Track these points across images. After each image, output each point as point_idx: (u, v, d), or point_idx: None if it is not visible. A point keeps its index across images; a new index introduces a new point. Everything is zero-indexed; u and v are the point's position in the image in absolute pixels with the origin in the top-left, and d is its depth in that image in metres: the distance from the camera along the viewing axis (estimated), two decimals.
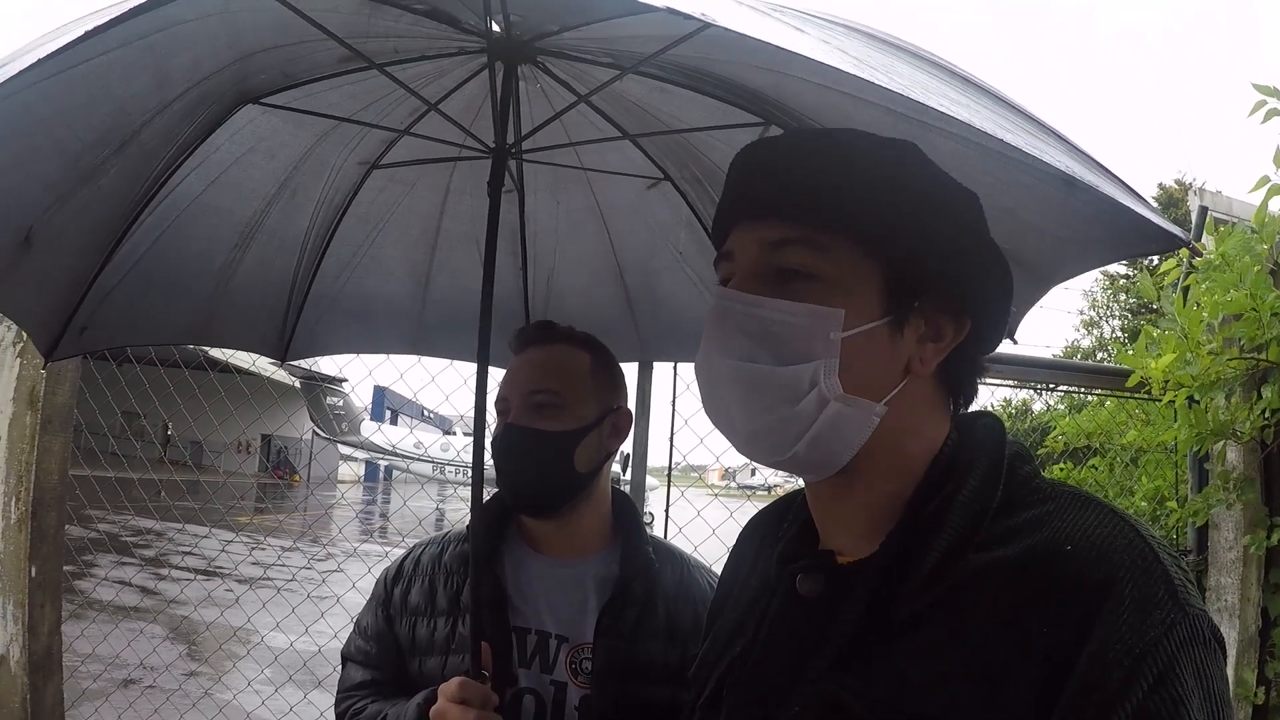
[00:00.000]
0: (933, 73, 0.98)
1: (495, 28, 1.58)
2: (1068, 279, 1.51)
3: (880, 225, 0.97)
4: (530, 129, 1.82)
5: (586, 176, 2.12)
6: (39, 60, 0.85)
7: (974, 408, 1.08)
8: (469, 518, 1.79)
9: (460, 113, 1.82)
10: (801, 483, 1.14)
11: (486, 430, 1.69)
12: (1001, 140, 0.80)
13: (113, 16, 0.83)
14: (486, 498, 1.78)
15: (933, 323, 1.00)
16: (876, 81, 0.74)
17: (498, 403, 1.78)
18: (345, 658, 1.92)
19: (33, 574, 3.20)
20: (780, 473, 1.17)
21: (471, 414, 1.75)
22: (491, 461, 1.76)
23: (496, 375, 1.83)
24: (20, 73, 0.85)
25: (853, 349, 0.95)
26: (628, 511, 1.90)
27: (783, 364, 0.95)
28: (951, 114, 0.76)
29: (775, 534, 1.19)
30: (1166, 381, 3.27)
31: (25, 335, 3.20)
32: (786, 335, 0.95)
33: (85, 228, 1.71)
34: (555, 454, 1.73)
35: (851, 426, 0.96)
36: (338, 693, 1.89)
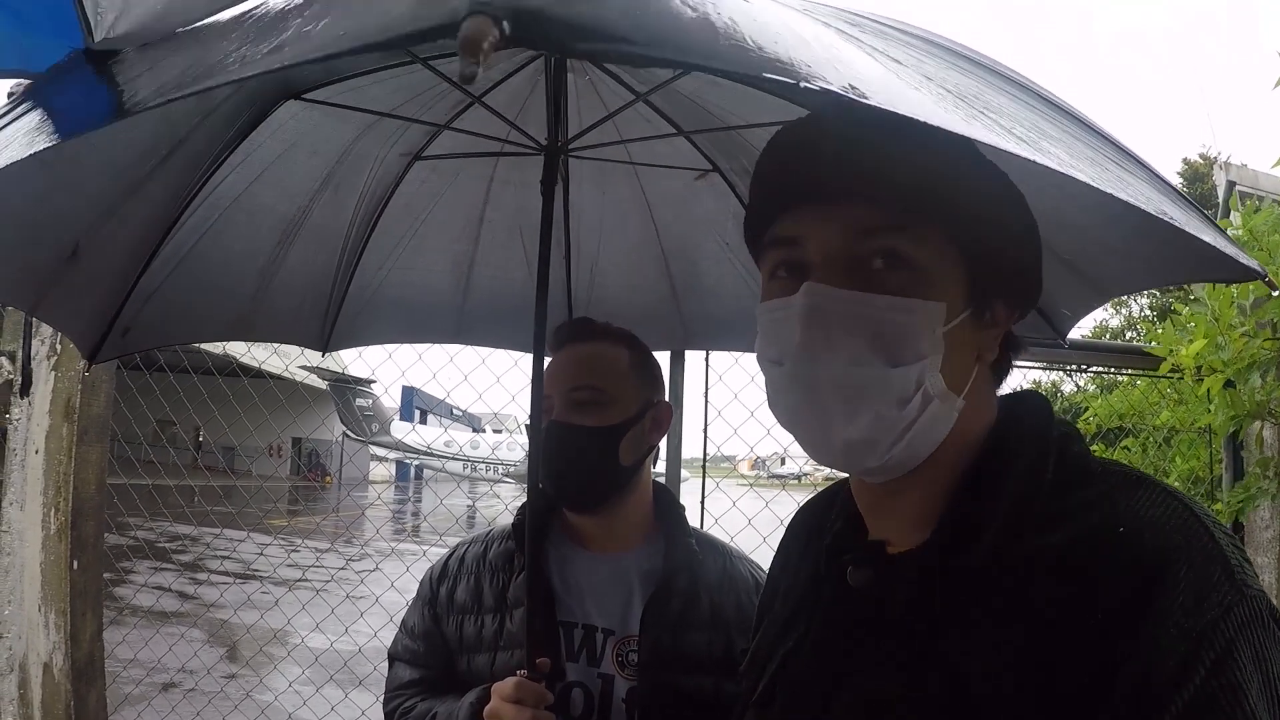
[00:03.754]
0: (1016, 95, 0.91)
1: None
2: (1128, 293, 1.48)
3: (968, 213, 0.94)
4: (578, 121, 1.81)
5: (633, 168, 2.11)
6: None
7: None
8: (505, 516, 1.80)
9: (506, 105, 1.81)
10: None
11: (510, 430, 1.70)
12: (1095, 188, 0.74)
13: (191, 89, 0.82)
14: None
15: (994, 310, 0.98)
16: (999, 144, 0.66)
17: (544, 400, 1.79)
18: (393, 657, 1.94)
19: (73, 582, 3.24)
20: (812, 462, 1.12)
21: (501, 412, 1.76)
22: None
23: (526, 367, 1.83)
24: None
25: (948, 343, 0.92)
26: (669, 504, 1.91)
27: (895, 365, 0.90)
28: (1065, 171, 0.70)
29: (823, 526, 1.16)
30: (1199, 367, 3.22)
31: (59, 349, 3.24)
32: (897, 334, 0.90)
33: (130, 235, 1.72)
34: (600, 449, 1.75)
35: (941, 422, 0.93)
36: (385, 692, 1.91)
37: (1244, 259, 1.00)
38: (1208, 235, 0.87)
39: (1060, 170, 0.70)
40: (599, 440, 1.75)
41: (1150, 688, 0.73)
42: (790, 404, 0.96)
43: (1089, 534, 0.83)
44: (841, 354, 0.90)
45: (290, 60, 0.69)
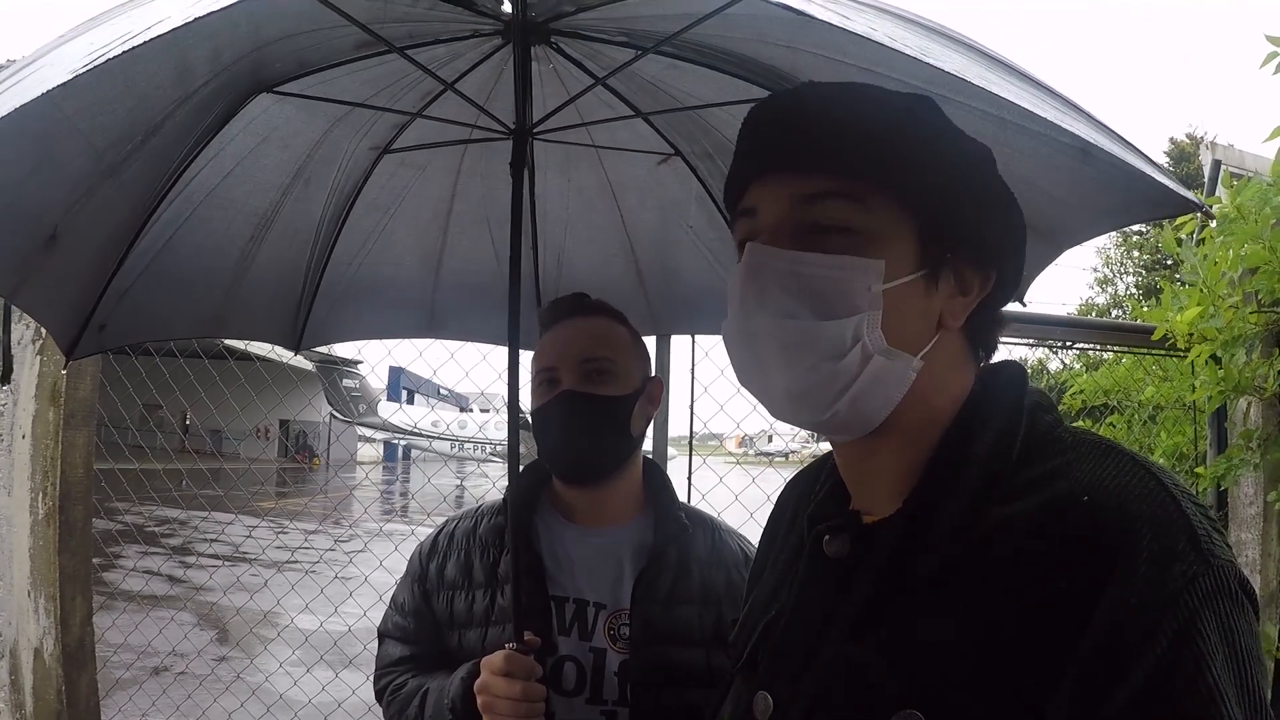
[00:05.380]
0: (963, 51, 0.99)
1: (508, 8, 1.58)
2: (1081, 242, 1.52)
3: (916, 178, 0.95)
4: (542, 108, 1.82)
5: (598, 154, 2.11)
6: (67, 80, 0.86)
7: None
8: (494, 494, 1.80)
9: (472, 95, 1.82)
10: (826, 446, 1.13)
11: (497, 408, 1.70)
12: (1031, 113, 0.79)
13: (157, 34, 0.83)
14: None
15: (961, 276, 0.99)
16: (924, 59, 0.74)
17: (540, 373, 1.80)
18: (382, 634, 1.95)
19: (62, 567, 3.23)
20: (799, 439, 1.14)
21: (488, 390, 1.77)
22: (527, 432, 1.77)
23: (501, 356, 1.84)
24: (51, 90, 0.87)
25: (892, 302, 0.94)
26: (658, 479, 1.92)
27: (825, 319, 0.93)
28: (989, 89, 0.79)
29: (809, 495, 1.18)
30: (1191, 335, 3.24)
31: (44, 333, 3.22)
32: (827, 290, 0.93)
33: (105, 225, 1.72)
34: (615, 419, 1.78)
35: (891, 382, 0.95)
36: (376, 669, 1.91)
37: (1179, 189, 1.05)
38: (1140, 164, 0.93)
39: (956, 74, 0.82)
40: (615, 410, 1.77)
41: (1112, 657, 0.73)
42: (736, 357, 1.02)
43: (1054, 502, 0.83)
44: (774, 308, 0.95)
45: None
